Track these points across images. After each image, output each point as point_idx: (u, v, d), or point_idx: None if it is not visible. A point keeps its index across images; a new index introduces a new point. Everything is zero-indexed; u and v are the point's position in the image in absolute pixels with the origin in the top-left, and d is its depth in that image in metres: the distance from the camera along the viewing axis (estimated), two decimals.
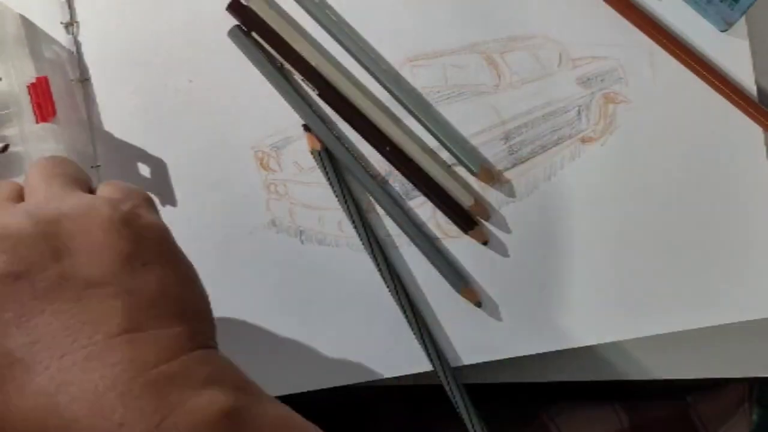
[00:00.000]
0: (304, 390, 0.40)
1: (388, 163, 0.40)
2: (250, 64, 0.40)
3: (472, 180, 0.40)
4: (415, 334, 0.39)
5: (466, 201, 0.39)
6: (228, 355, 0.40)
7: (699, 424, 0.48)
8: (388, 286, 0.39)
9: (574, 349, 0.40)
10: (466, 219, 0.40)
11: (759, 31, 0.40)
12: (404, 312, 0.39)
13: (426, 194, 0.40)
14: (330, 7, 0.40)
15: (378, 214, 0.40)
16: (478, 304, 0.40)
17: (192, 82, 0.41)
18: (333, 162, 0.40)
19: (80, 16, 0.41)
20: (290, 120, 0.40)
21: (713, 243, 0.40)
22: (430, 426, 0.48)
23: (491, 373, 0.41)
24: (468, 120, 0.40)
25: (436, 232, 0.40)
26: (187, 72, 0.41)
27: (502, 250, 0.40)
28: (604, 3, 0.39)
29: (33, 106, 0.37)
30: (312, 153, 0.40)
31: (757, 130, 0.40)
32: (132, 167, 0.41)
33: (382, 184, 0.40)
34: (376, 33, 0.40)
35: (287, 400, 0.40)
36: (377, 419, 0.49)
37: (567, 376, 0.41)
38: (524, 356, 0.40)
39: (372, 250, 0.39)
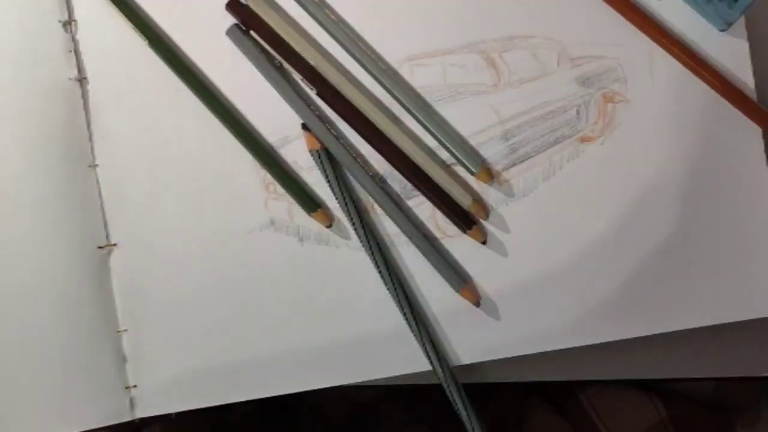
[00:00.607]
0: (304, 389, 0.40)
1: (387, 162, 0.40)
2: (249, 63, 0.40)
3: (471, 179, 0.40)
4: (414, 334, 0.39)
5: (465, 201, 0.39)
6: (225, 356, 0.40)
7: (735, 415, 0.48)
8: (387, 286, 0.39)
9: (573, 349, 0.40)
10: (465, 218, 0.39)
11: (759, 31, 0.40)
12: (403, 312, 0.39)
13: (425, 194, 0.40)
14: (329, 7, 0.40)
15: (377, 213, 0.40)
16: (477, 304, 0.40)
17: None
18: (332, 161, 0.40)
19: (78, 14, 0.40)
20: (289, 120, 0.40)
21: (713, 242, 0.39)
22: (430, 426, 0.48)
23: (491, 373, 0.41)
24: (467, 119, 0.40)
25: (435, 232, 0.40)
26: None
27: (501, 250, 0.40)
28: (603, 2, 0.39)
29: None
30: (311, 153, 0.40)
31: (756, 129, 0.40)
32: (130, 166, 0.41)
33: (380, 183, 0.40)
34: (375, 32, 0.40)
35: (287, 399, 0.40)
36: (377, 419, 0.49)
37: (567, 376, 0.41)
38: (524, 356, 0.40)
39: (371, 250, 0.39)
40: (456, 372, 0.39)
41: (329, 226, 0.40)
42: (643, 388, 0.47)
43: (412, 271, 0.40)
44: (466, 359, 0.40)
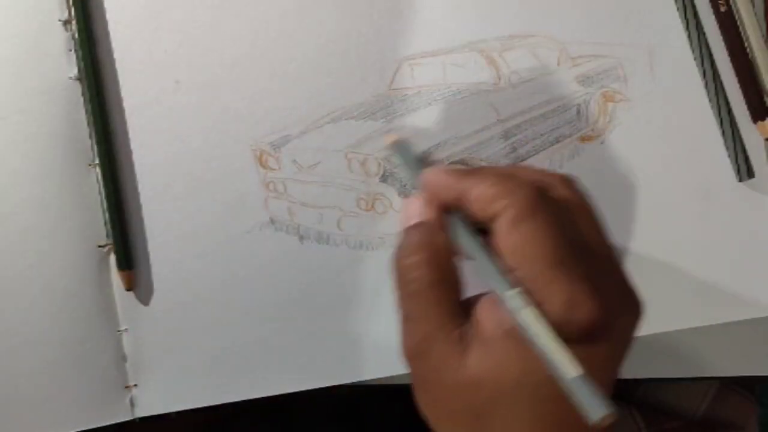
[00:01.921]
0: (304, 389, 0.40)
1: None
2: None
3: None
4: None
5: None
6: (225, 355, 0.40)
7: None
8: None
9: None
10: (762, 107, 0.39)
11: None
12: None
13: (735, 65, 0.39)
14: None
15: (377, 212, 0.40)
16: (129, 289, 0.40)
17: (181, 82, 0.40)
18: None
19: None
20: (290, 118, 0.40)
21: (713, 242, 0.39)
22: (428, 426, 0.48)
23: None
24: (467, 118, 0.40)
25: None
26: (185, 69, 0.41)
27: None
28: (603, 1, 0.39)
29: None
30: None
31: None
32: (130, 165, 0.41)
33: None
34: (375, 30, 0.40)
35: (286, 399, 0.40)
36: (376, 419, 0.49)
37: None
38: None
39: None
40: None
41: (128, 289, 0.40)
42: (625, 401, 0.47)
43: None
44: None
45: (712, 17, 0.40)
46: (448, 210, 0.30)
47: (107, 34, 0.40)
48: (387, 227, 0.40)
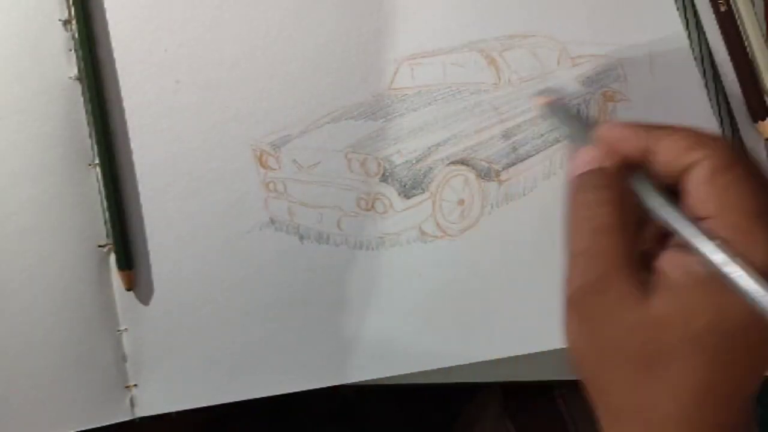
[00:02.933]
0: (302, 389, 0.40)
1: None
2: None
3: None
4: None
5: None
6: (225, 355, 0.40)
7: None
8: None
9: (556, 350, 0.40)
10: (761, 107, 0.39)
11: None
12: None
13: (735, 65, 0.39)
14: None
15: (377, 212, 0.40)
16: (128, 289, 0.40)
17: (181, 82, 0.40)
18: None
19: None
20: (290, 118, 0.40)
21: None
22: (427, 426, 0.48)
23: (491, 372, 0.41)
24: (467, 118, 0.40)
25: (435, 231, 0.40)
26: (185, 69, 0.41)
27: (500, 248, 0.40)
28: (603, 1, 0.39)
29: None
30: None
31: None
32: (130, 165, 0.41)
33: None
34: (375, 30, 0.40)
35: (286, 399, 0.40)
36: (375, 419, 0.49)
37: (567, 375, 0.41)
38: (523, 355, 0.40)
39: None
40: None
41: (128, 289, 0.40)
42: None
43: (408, 272, 0.40)
44: (465, 359, 0.40)
45: (712, 17, 0.40)
46: (626, 164, 0.30)
47: (107, 34, 0.40)
48: (387, 227, 0.40)
